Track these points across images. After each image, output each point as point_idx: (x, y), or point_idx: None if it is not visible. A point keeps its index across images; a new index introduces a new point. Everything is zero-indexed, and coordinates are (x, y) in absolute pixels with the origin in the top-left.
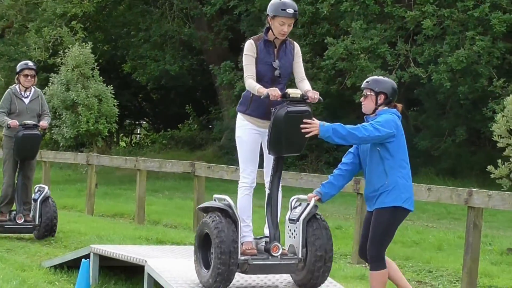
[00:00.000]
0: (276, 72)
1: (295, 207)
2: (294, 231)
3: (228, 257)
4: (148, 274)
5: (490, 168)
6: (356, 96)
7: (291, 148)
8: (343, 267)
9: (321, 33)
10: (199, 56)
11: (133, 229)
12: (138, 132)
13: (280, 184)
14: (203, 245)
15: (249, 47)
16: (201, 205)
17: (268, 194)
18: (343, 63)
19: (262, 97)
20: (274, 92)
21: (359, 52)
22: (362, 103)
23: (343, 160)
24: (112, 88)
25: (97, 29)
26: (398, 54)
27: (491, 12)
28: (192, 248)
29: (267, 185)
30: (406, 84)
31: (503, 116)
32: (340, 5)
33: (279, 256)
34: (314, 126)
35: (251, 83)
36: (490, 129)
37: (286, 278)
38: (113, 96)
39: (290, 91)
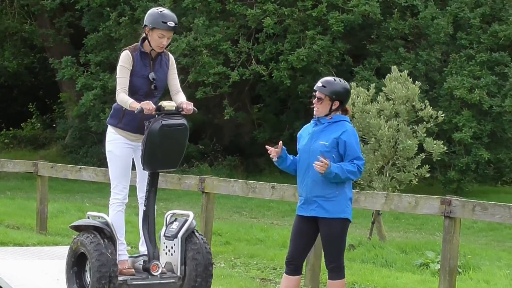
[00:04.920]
0: (152, 85)
1: (171, 223)
2: (172, 248)
3: (107, 278)
4: None
5: None
6: (197, 92)
7: (167, 163)
8: None
9: None
10: (41, 54)
11: None
12: None
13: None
14: (77, 264)
15: (126, 59)
16: (74, 223)
17: (144, 210)
18: (185, 59)
19: (136, 112)
20: (148, 105)
21: (202, 49)
22: (315, 106)
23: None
24: None
25: None
26: (240, 51)
27: (329, 12)
28: (34, 249)
29: (140, 200)
30: (250, 81)
31: None
32: (182, 2)
33: (158, 275)
34: (325, 165)
35: (123, 97)
36: None
37: None
38: None
39: (164, 103)
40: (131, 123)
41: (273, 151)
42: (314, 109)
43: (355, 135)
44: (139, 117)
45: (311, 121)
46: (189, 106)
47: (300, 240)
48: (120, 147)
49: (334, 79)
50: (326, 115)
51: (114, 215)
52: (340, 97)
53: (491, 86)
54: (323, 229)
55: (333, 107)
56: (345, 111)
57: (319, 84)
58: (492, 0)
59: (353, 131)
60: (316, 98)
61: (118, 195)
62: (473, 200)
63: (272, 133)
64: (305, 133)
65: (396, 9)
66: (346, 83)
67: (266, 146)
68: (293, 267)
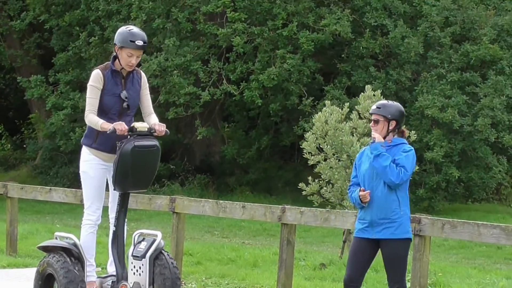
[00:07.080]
0: (124, 104)
1: (139, 242)
2: (140, 268)
3: None
4: None
5: (301, 185)
6: (169, 113)
7: (138, 184)
8: None
9: None
10: (11, 74)
11: None
12: None
13: (126, 221)
14: (45, 286)
15: (96, 78)
16: (42, 244)
17: (114, 231)
18: (156, 80)
19: (108, 132)
20: (121, 126)
21: (173, 69)
22: (372, 128)
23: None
24: None
25: None
26: (211, 71)
27: (300, 31)
28: (4, 271)
29: (111, 221)
30: (221, 101)
31: (312, 133)
32: (152, 22)
33: None
34: (378, 136)
35: (92, 119)
36: (301, 146)
37: None
38: None
39: (137, 125)
40: (106, 143)
41: (366, 197)
42: (372, 131)
43: (413, 154)
44: (113, 137)
45: (369, 145)
46: (161, 128)
47: (360, 261)
48: (94, 167)
49: (388, 101)
50: (385, 137)
51: (86, 236)
52: (396, 117)
53: (462, 106)
54: (388, 250)
55: (390, 127)
56: (401, 133)
57: (374, 107)
58: (462, 20)
59: (413, 152)
60: (372, 121)
61: (91, 216)
62: (442, 218)
63: (240, 149)
64: (365, 158)
65: (366, 29)
66: (400, 105)
67: (360, 193)
68: (354, 286)
